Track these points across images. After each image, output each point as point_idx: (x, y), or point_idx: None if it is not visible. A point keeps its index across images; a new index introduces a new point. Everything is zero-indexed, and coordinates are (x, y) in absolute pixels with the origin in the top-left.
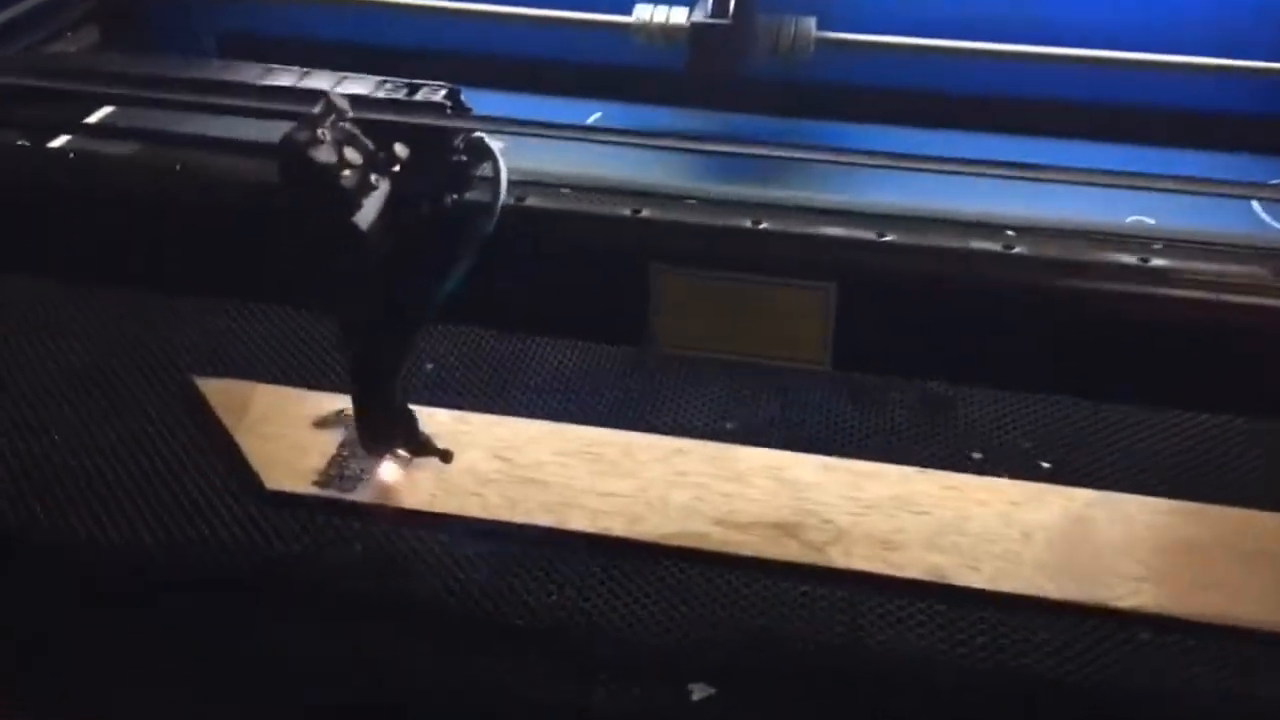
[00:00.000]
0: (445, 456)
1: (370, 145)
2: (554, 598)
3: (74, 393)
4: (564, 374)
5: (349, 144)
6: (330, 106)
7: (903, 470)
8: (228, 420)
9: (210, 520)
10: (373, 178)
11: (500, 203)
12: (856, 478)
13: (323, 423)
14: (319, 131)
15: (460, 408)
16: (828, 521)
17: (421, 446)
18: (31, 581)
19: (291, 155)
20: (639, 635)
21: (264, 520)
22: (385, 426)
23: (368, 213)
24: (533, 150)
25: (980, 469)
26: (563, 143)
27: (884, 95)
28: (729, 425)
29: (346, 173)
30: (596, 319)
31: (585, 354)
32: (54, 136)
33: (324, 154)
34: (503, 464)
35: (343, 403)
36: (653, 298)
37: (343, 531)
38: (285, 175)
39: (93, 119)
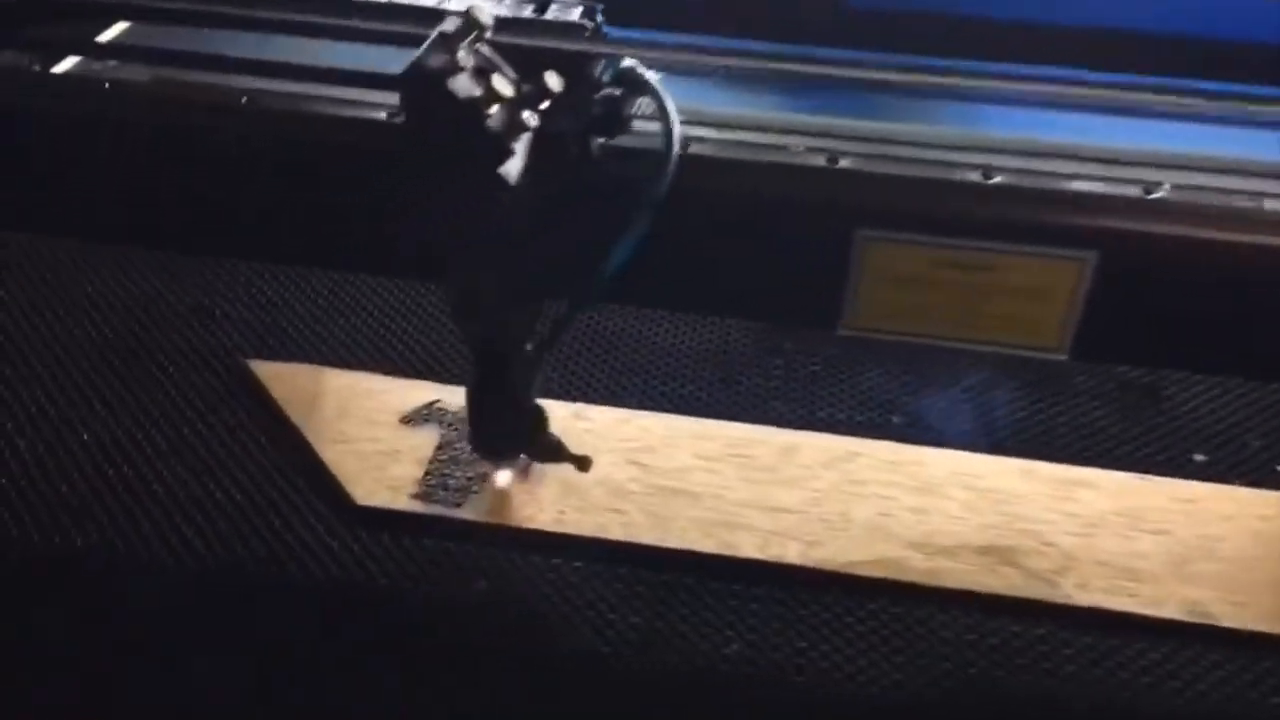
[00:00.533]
0: (582, 464)
1: (517, 75)
2: (734, 647)
3: (100, 379)
4: (684, 356)
5: (494, 73)
6: (471, 24)
7: (1119, 477)
8: (296, 415)
9: (284, 544)
10: (524, 115)
11: (676, 150)
12: (1067, 487)
13: (412, 419)
14: (458, 56)
15: (560, 398)
16: (1048, 544)
17: (552, 452)
18: (67, 624)
19: (425, 86)
20: (842, 689)
21: (355, 545)
22: (509, 428)
23: (516, 160)
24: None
25: (1207, 474)
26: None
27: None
28: (895, 419)
29: (493, 109)
30: (773, 294)
31: (706, 332)
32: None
33: (465, 85)
34: (639, 471)
35: (431, 393)
36: (853, 269)
37: (458, 559)
38: (413, 111)
39: (109, 36)
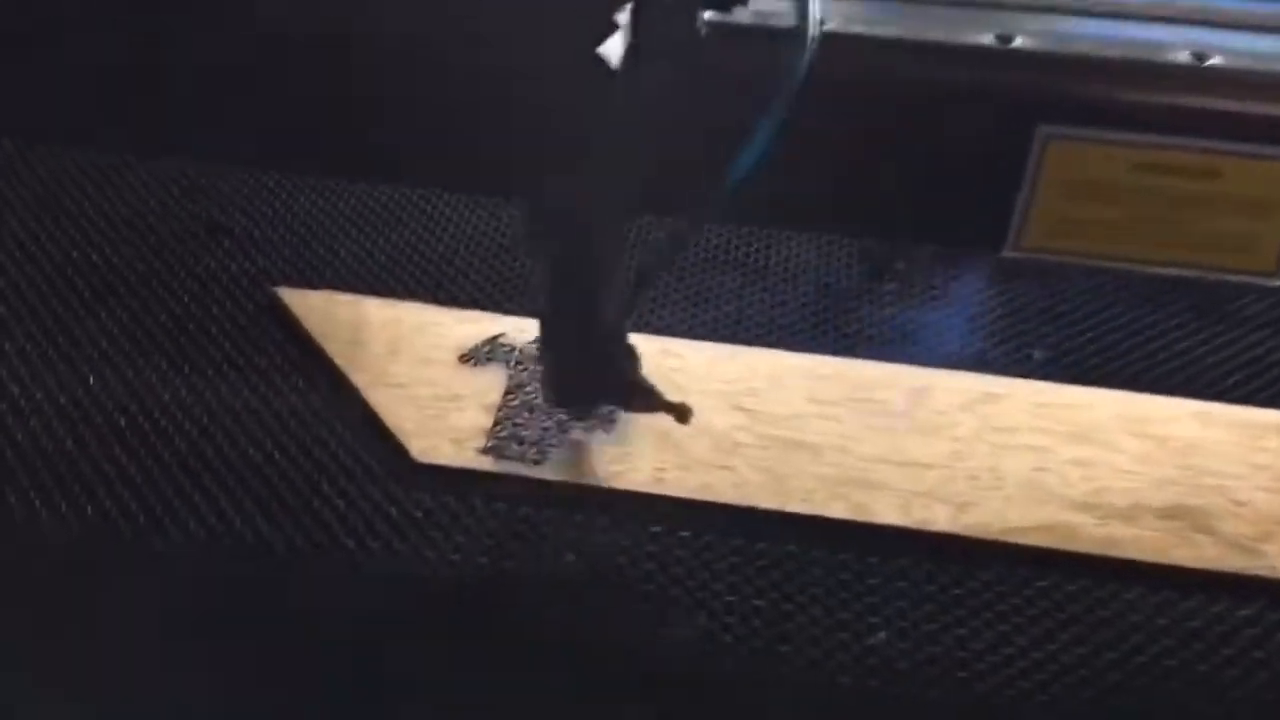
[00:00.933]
0: (681, 413)
1: None
2: (881, 635)
3: (103, 313)
4: (778, 277)
5: None
6: None
7: None
8: (337, 353)
9: (331, 510)
10: None
11: (815, 28)
12: (1253, 433)
13: (473, 357)
14: None
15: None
16: (1240, 503)
17: (646, 399)
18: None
19: None
20: (1015, 687)
21: (416, 511)
22: (594, 373)
23: (618, 39)
24: None
25: None
26: None
27: None
28: (1036, 353)
29: None
30: (926, 208)
31: (799, 248)
32: None
33: None
34: (746, 419)
35: (492, 325)
36: (1030, 175)
37: (539, 527)
38: None
39: None
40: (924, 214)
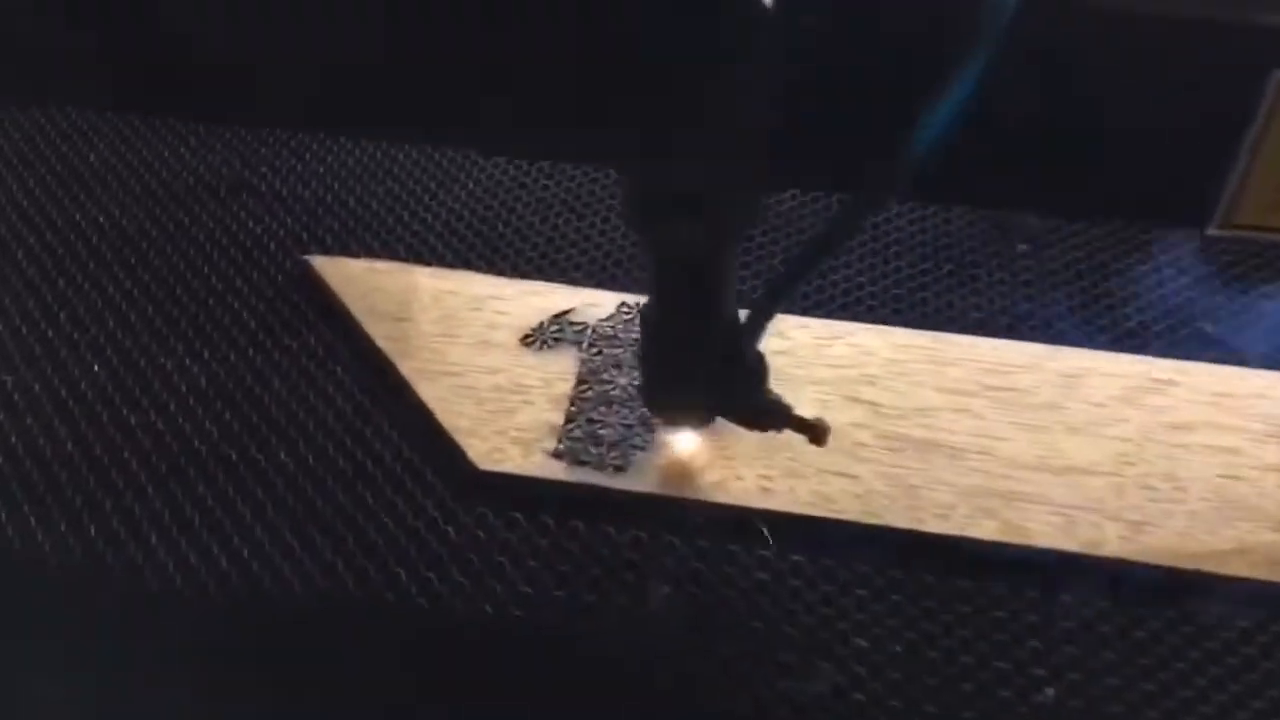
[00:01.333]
0: (818, 433)
1: None
2: (1050, 692)
3: (109, 283)
4: (894, 242)
5: None
6: None
7: None
8: (380, 334)
9: (378, 531)
10: None
11: None
12: None
13: (537, 339)
14: None
15: None
16: None
17: (773, 415)
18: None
19: None
20: None
21: (478, 529)
22: (709, 381)
23: None
24: None
25: None
26: None
27: None
28: (1209, 328)
29: None
30: (1125, 177)
31: (911, 204)
32: None
33: None
34: (867, 414)
35: (557, 299)
36: (1257, 130)
37: (624, 550)
38: None
39: None
40: (1123, 184)
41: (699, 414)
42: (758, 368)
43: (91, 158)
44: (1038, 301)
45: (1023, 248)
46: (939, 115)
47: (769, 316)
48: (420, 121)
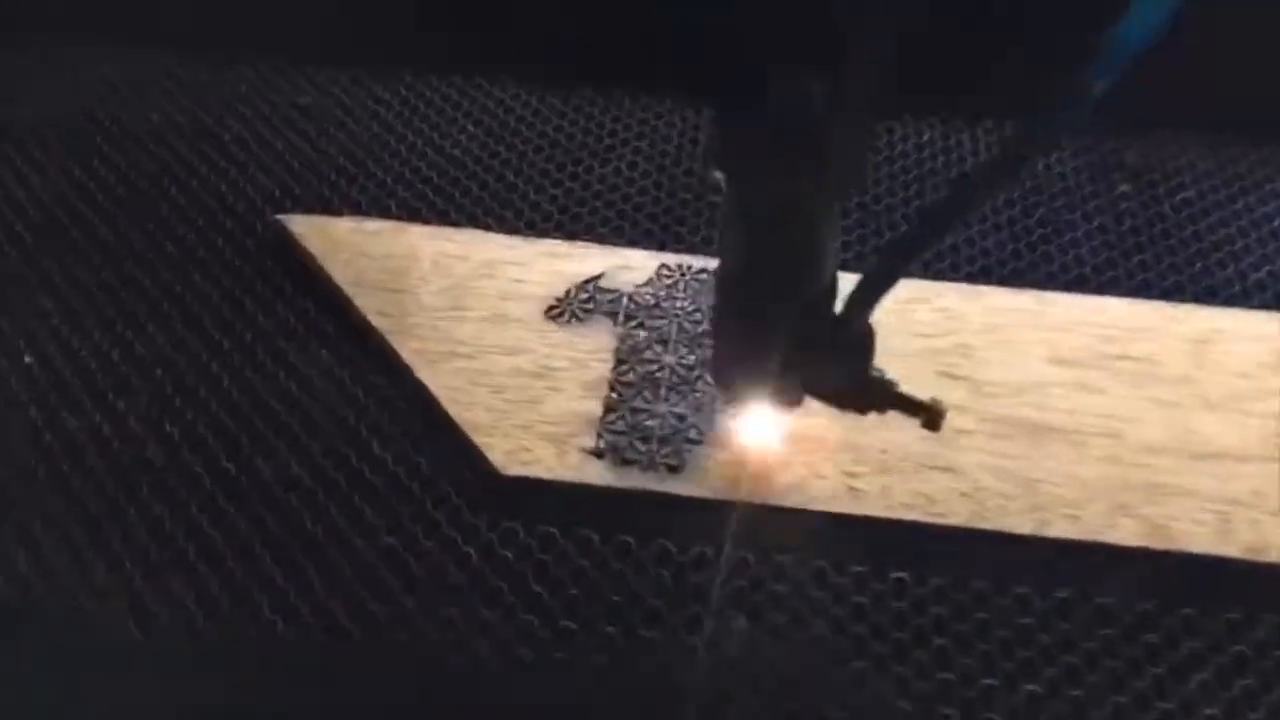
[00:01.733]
0: (933, 417)
1: None
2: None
3: (65, 251)
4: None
5: None
6: None
7: None
8: (374, 310)
9: (380, 561)
10: None
11: None
12: None
13: (564, 310)
14: None
15: None
16: None
17: (880, 397)
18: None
19: None
20: None
21: (506, 548)
22: (802, 357)
23: None
24: None
25: None
26: None
27: None
28: None
29: None
30: None
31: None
32: None
33: None
34: (967, 393)
35: (586, 262)
36: None
37: (687, 571)
38: None
39: None
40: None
41: (789, 394)
42: (866, 340)
43: (47, 100)
44: (1149, 251)
45: (1124, 188)
46: (1134, 29)
47: (893, 279)
48: (411, 47)
